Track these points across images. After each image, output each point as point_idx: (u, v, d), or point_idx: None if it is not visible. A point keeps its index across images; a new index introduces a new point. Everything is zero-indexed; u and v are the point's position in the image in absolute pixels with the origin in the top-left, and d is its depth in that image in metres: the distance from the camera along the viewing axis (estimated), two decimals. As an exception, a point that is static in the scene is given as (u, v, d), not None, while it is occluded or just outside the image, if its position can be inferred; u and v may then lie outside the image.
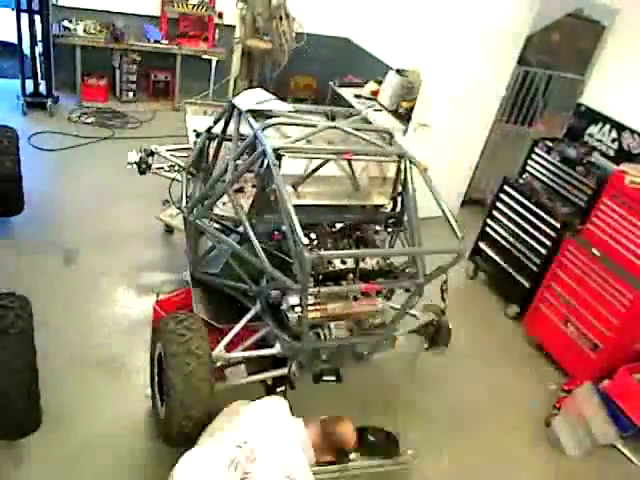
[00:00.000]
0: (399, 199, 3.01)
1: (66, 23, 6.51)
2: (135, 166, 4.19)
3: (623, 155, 4.11)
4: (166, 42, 6.89)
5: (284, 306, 2.67)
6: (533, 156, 4.43)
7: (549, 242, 4.08)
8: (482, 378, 3.76)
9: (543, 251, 4.13)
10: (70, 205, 4.65)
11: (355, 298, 2.75)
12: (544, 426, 3.42)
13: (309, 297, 2.46)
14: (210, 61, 7.02)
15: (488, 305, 4.56)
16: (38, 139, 5.54)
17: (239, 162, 2.87)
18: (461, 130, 5.38)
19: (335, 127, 2.88)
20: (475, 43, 4.91)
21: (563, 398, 3.46)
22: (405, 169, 2.88)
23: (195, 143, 3.87)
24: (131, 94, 7.08)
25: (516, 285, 4.35)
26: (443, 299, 3.04)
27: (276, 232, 2.74)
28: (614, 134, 4.22)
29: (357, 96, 6.26)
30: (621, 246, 3.49)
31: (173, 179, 3.92)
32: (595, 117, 4.37)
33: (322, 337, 2.74)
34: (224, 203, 3.26)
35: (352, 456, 2.43)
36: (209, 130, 3.63)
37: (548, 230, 4.09)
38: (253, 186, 3.13)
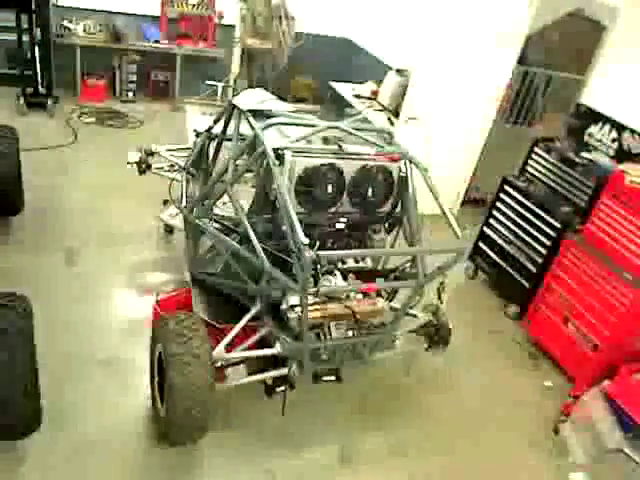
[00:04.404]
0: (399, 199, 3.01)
1: (66, 23, 6.51)
2: (135, 166, 4.19)
3: (623, 155, 4.12)
4: (166, 42, 6.90)
5: (284, 306, 2.67)
6: (533, 156, 4.43)
7: (549, 242, 4.08)
8: (482, 378, 3.76)
9: (543, 251, 4.13)
10: (70, 205, 4.65)
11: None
12: (551, 432, 3.39)
13: (309, 297, 2.46)
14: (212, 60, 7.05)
15: (488, 305, 4.55)
16: (38, 139, 5.53)
17: (239, 162, 2.88)
18: (461, 130, 5.39)
19: (335, 127, 2.89)
20: (475, 43, 4.91)
21: (571, 405, 3.44)
22: (405, 169, 2.88)
23: (195, 143, 3.88)
24: (131, 94, 7.10)
25: (516, 285, 4.35)
26: (440, 299, 3.04)
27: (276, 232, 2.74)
28: (614, 134, 4.23)
29: (357, 96, 6.26)
30: (621, 246, 3.49)
31: (173, 179, 3.92)
32: (595, 117, 4.37)
33: (322, 337, 2.74)
34: (224, 203, 3.26)
35: None
36: (209, 130, 3.64)
37: (548, 230, 4.09)
38: (253, 186, 3.13)
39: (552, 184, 4.25)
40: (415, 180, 2.88)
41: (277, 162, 2.55)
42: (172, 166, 4.24)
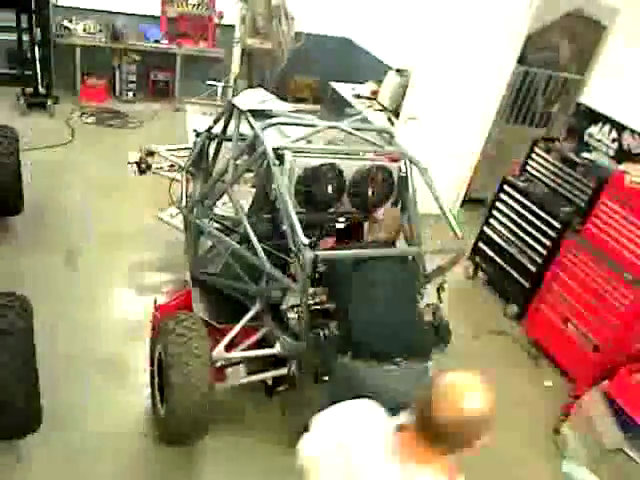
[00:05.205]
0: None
1: (66, 23, 6.51)
2: (135, 166, 4.19)
3: (623, 155, 4.11)
4: (166, 42, 6.90)
5: (284, 306, 2.67)
6: (533, 156, 4.42)
7: (549, 242, 4.08)
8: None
9: (543, 251, 4.12)
10: (70, 205, 4.65)
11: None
12: (551, 432, 3.40)
13: (309, 297, 2.45)
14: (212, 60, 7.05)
15: (488, 305, 4.55)
16: (38, 139, 5.53)
17: (239, 162, 2.88)
18: (461, 129, 5.39)
19: (335, 127, 2.89)
20: (474, 43, 4.91)
21: (571, 405, 3.44)
22: (405, 169, 2.88)
23: (195, 143, 3.88)
24: (131, 94, 7.10)
25: (516, 285, 4.35)
26: (440, 299, 3.04)
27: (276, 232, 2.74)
28: (614, 134, 4.22)
29: (357, 96, 6.26)
30: (621, 246, 3.49)
31: (173, 179, 3.92)
32: (595, 117, 4.36)
33: (322, 337, 2.74)
34: (224, 203, 3.26)
35: None
36: (209, 130, 3.63)
37: (548, 230, 4.09)
38: (253, 186, 3.13)
39: (552, 184, 4.25)
40: (415, 180, 2.88)
41: (277, 162, 2.55)
42: (172, 166, 4.23)
